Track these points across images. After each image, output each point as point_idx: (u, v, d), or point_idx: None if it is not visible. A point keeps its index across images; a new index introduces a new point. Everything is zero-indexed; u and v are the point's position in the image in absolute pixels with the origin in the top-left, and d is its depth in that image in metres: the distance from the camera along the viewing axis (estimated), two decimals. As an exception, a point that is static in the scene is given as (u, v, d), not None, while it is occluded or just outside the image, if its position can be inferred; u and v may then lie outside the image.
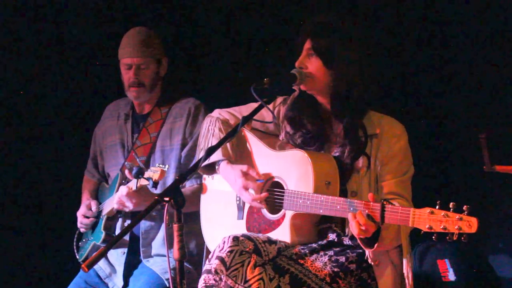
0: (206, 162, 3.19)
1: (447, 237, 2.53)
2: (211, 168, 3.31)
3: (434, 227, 2.55)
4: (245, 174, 3.12)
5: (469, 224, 2.49)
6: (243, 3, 4.57)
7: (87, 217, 3.87)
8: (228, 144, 3.21)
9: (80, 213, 3.91)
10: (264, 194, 3.08)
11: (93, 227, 3.88)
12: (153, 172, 3.36)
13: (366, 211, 2.71)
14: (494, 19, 3.96)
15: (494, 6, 3.95)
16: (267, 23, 4.51)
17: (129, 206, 3.59)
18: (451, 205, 2.54)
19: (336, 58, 3.01)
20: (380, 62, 3.88)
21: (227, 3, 4.61)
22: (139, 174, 3.40)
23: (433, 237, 2.56)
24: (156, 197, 2.63)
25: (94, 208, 3.87)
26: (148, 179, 3.37)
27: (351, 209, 2.76)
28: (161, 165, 3.35)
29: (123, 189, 3.56)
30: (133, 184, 3.53)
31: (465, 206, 2.52)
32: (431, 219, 2.56)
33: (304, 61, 3.05)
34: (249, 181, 3.10)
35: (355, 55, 3.02)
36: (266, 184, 3.14)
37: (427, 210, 2.57)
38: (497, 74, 3.96)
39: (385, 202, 2.68)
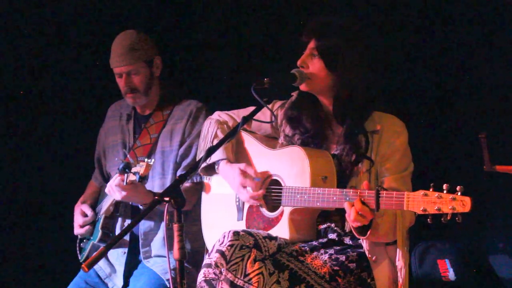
0: (207, 162, 3.20)
1: (442, 219, 2.54)
2: (211, 169, 3.32)
3: (428, 209, 2.57)
4: (243, 172, 3.13)
5: (463, 204, 2.51)
6: (243, 3, 4.58)
7: (83, 226, 3.85)
8: (228, 145, 3.22)
9: (76, 223, 3.88)
10: (261, 191, 3.10)
11: (93, 226, 3.88)
12: (140, 167, 3.36)
13: (362, 199, 2.73)
14: (494, 20, 3.96)
15: (494, 6, 3.95)
16: (267, 23, 4.51)
17: (117, 196, 3.55)
18: (444, 186, 2.56)
19: (339, 62, 2.99)
20: (383, 63, 3.89)
21: (227, 3, 4.61)
22: (126, 168, 3.40)
23: (428, 219, 2.58)
24: (156, 197, 2.63)
25: (89, 212, 3.84)
26: (135, 173, 3.37)
27: (347, 198, 2.78)
28: (147, 159, 3.35)
29: (116, 179, 3.54)
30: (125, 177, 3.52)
31: (458, 186, 2.54)
32: (425, 201, 2.58)
33: (306, 60, 3.04)
34: (247, 179, 3.11)
35: (360, 59, 3.01)
36: (264, 182, 3.15)
37: (421, 192, 2.59)
38: (497, 73, 3.96)
39: (379, 189, 2.70)
